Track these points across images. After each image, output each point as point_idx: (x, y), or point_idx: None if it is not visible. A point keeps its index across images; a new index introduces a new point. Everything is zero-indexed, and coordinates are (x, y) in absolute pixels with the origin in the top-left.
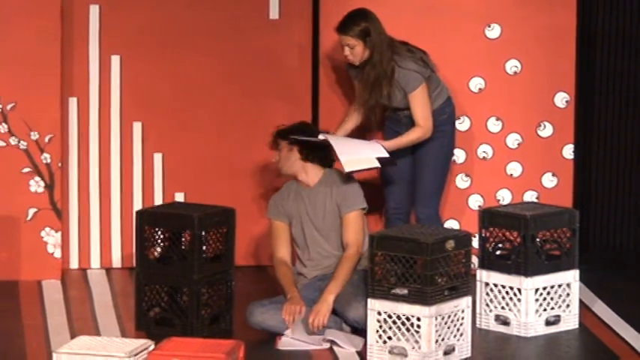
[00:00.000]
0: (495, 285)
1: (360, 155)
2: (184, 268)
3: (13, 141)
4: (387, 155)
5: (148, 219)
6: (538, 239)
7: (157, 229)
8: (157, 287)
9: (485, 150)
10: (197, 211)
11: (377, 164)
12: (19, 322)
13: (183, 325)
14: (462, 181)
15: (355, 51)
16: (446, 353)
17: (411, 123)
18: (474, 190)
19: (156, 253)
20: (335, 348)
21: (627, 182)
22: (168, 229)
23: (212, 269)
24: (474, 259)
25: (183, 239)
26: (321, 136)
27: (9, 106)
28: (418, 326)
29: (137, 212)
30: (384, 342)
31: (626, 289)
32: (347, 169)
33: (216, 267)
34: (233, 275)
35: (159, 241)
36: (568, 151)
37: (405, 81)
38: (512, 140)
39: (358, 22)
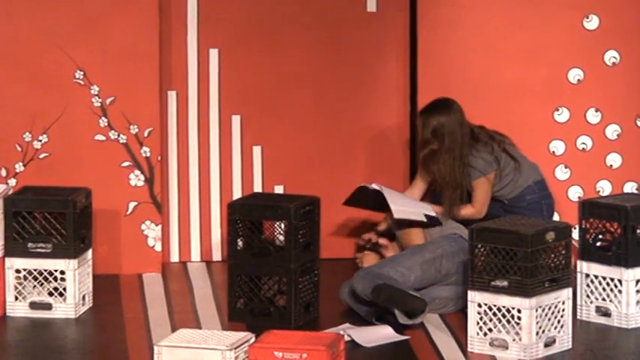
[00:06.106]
0: (596, 276)
1: (409, 208)
2: (281, 257)
3: (112, 135)
4: (434, 215)
5: (240, 210)
6: (639, 230)
7: (246, 221)
8: (253, 278)
9: (584, 141)
10: (287, 201)
11: (423, 218)
12: (120, 316)
13: (281, 315)
14: (561, 173)
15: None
16: (546, 345)
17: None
18: (574, 181)
19: (242, 244)
20: (434, 338)
21: None
22: (262, 219)
23: (304, 258)
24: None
25: (278, 229)
26: (374, 186)
27: (108, 100)
28: (519, 318)
29: (228, 204)
30: (485, 334)
31: None
32: (396, 215)
33: (306, 256)
34: (319, 263)
35: (249, 232)
36: None
37: (472, 173)
38: (612, 131)
39: (435, 115)
